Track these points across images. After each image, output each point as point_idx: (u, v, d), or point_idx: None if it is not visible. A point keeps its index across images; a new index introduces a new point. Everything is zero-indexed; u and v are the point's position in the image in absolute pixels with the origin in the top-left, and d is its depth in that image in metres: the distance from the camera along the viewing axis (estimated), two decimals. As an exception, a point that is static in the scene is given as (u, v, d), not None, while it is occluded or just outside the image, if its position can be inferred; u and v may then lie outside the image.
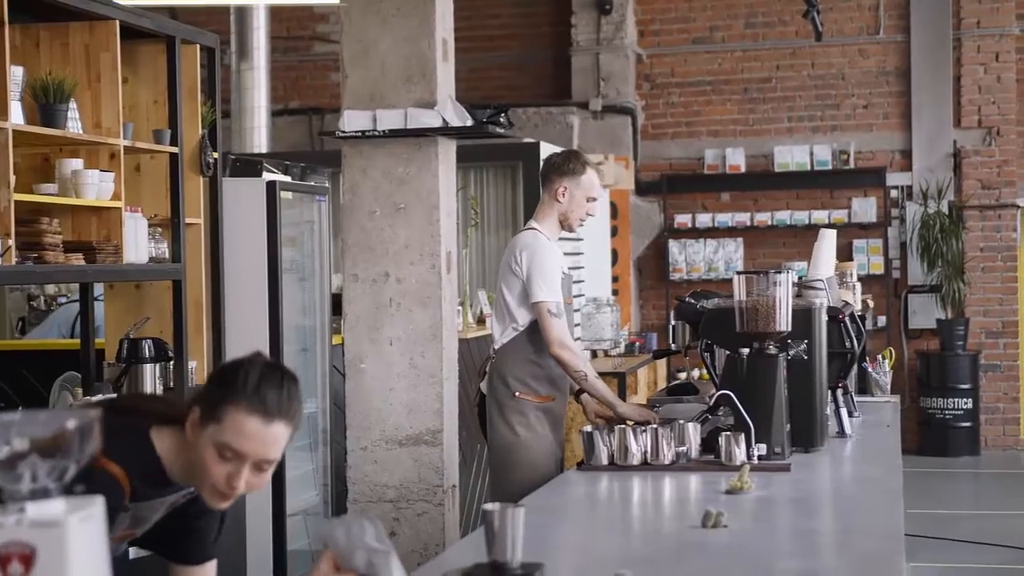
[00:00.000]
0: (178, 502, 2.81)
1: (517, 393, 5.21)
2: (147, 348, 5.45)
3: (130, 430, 2.68)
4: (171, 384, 5.65)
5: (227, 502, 2.67)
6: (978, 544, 8.61)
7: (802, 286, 5.18)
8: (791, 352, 4.43)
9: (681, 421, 4.32)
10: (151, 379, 5.45)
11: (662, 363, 10.78)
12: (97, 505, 1.80)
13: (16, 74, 4.72)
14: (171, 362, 5.62)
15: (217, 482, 2.61)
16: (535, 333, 5.24)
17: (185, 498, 2.80)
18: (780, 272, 4.38)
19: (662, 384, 10.30)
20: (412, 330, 5.54)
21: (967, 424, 12.18)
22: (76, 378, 5.68)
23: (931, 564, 8.12)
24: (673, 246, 12.85)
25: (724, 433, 4.19)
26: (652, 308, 12.93)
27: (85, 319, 5.73)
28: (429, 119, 5.47)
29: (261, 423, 2.57)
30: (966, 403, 12.15)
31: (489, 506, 2.74)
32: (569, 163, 5.34)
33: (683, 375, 10.23)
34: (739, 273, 4.43)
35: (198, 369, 5.88)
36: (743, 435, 4.18)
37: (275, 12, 12.62)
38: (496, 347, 5.36)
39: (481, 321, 8.53)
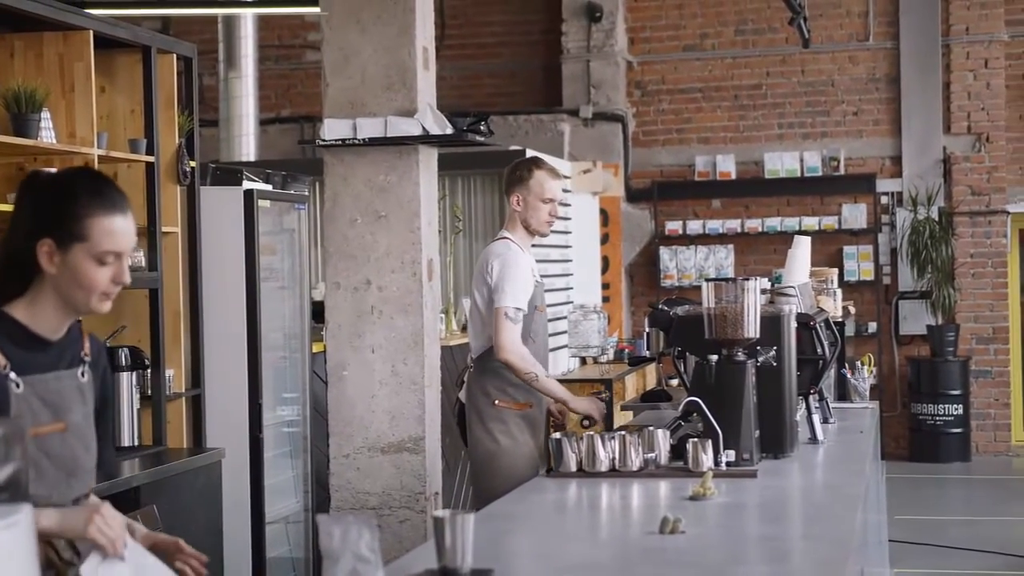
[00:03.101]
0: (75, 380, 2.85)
1: (497, 402, 5.29)
2: (123, 356, 5.46)
3: None
4: (148, 392, 5.67)
5: (109, 302, 2.80)
6: (966, 550, 8.61)
7: (774, 293, 5.19)
8: (760, 359, 4.44)
9: (651, 428, 4.33)
10: (127, 387, 5.45)
11: (651, 370, 10.79)
12: (23, 513, 1.81)
13: (-13, 84, 4.75)
14: (148, 370, 5.64)
15: (103, 287, 2.75)
16: None
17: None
18: (748, 279, 4.39)
19: (652, 391, 10.31)
20: (394, 338, 5.55)
21: (958, 430, 12.19)
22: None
23: (918, 570, 8.13)
24: (664, 253, 12.86)
25: (692, 440, 4.20)
26: (643, 315, 12.90)
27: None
28: (409, 127, 5.49)
29: (122, 218, 2.76)
30: (957, 409, 12.15)
31: (439, 513, 2.77)
32: (516, 171, 5.43)
33: (675, 382, 10.24)
34: (708, 280, 4.44)
35: (176, 377, 5.90)
36: (711, 441, 4.19)
37: (266, 21, 12.65)
38: (474, 356, 5.42)
39: (465, 328, 8.55)
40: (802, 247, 5.70)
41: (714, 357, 4.36)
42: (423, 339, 5.55)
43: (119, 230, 2.74)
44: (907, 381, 12.49)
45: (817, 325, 5.00)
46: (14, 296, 2.76)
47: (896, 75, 12.66)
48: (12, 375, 2.68)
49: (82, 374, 2.85)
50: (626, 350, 10.65)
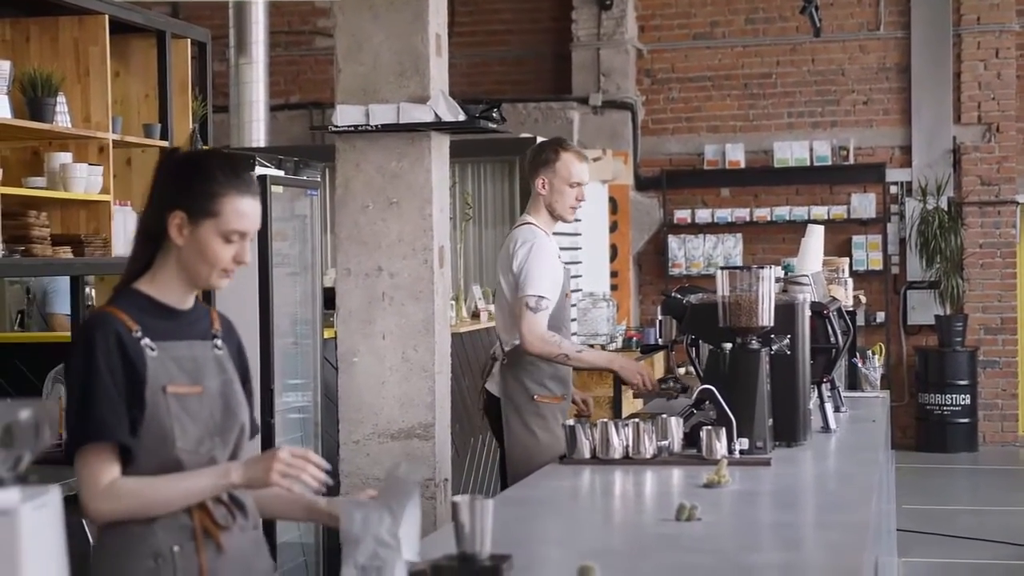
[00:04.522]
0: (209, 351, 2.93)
1: (536, 396, 5.21)
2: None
3: (113, 296, 2.87)
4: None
5: (229, 278, 2.89)
6: (973, 540, 8.62)
7: (787, 281, 5.19)
8: (774, 347, 4.44)
9: (664, 415, 4.34)
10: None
11: (660, 358, 10.79)
12: (52, 494, 1.82)
13: (3, 68, 4.75)
14: (161, 355, 5.64)
15: (224, 264, 2.84)
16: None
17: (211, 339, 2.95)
18: (763, 268, 4.39)
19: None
20: (404, 324, 5.54)
21: (965, 420, 12.19)
22: (68, 370, 5.70)
23: (925, 560, 8.14)
24: (673, 241, 12.87)
25: (705, 427, 4.21)
26: (651, 303, 12.93)
27: (76, 312, 5.75)
28: (421, 114, 5.47)
29: (252, 201, 2.86)
30: (964, 399, 12.16)
31: (458, 498, 2.76)
32: (542, 154, 5.31)
33: (682, 370, 10.24)
34: (722, 268, 4.44)
35: (188, 362, 5.90)
36: (725, 429, 4.20)
37: (277, 7, 12.65)
38: (507, 348, 5.30)
39: (475, 315, 8.56)
40: (815, 236, 5.69)
41: (728, 345, 4.36)
42: (434, 326, 5.54)
43: (249, 212, 2.84)
44: (915, 371, 12.49)
45: (830, 314, 5.00)
46: (140, 272, 2.87)
47: (906, 64, 12.64)
48: (146, 340, 2.78)
49: (216, 347, 2.94)
50: (634, 338, 10.65)
